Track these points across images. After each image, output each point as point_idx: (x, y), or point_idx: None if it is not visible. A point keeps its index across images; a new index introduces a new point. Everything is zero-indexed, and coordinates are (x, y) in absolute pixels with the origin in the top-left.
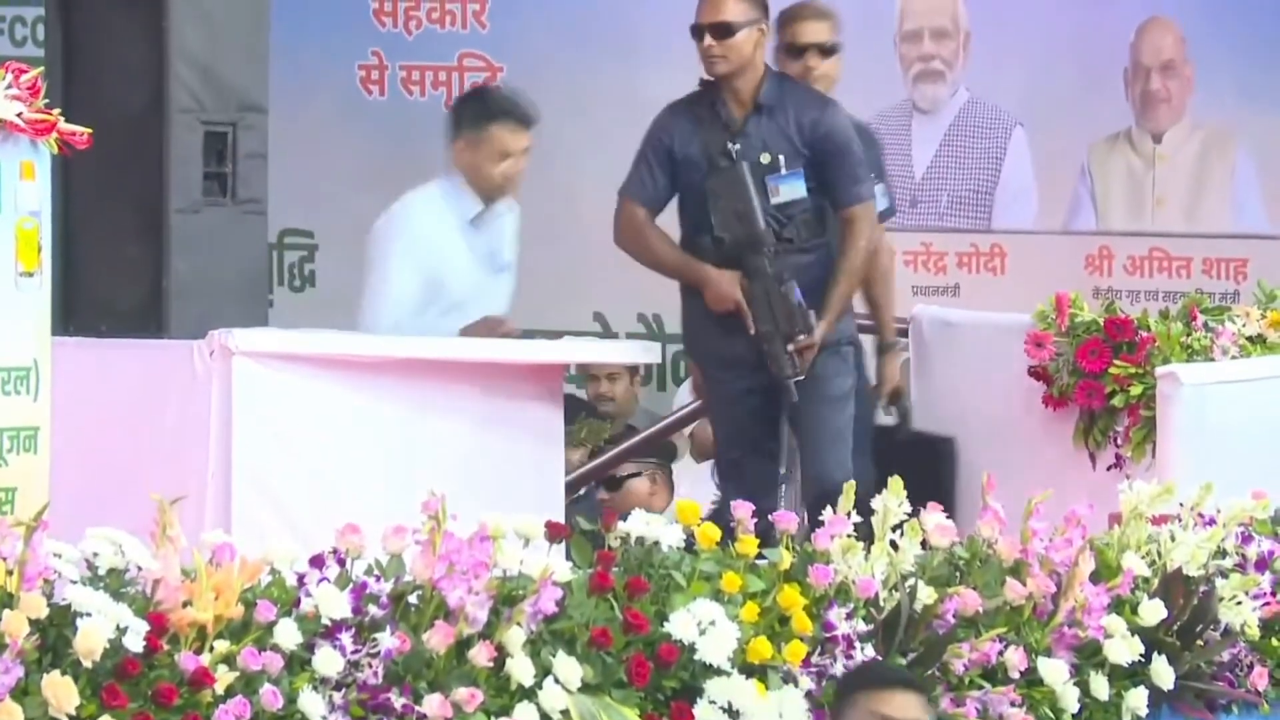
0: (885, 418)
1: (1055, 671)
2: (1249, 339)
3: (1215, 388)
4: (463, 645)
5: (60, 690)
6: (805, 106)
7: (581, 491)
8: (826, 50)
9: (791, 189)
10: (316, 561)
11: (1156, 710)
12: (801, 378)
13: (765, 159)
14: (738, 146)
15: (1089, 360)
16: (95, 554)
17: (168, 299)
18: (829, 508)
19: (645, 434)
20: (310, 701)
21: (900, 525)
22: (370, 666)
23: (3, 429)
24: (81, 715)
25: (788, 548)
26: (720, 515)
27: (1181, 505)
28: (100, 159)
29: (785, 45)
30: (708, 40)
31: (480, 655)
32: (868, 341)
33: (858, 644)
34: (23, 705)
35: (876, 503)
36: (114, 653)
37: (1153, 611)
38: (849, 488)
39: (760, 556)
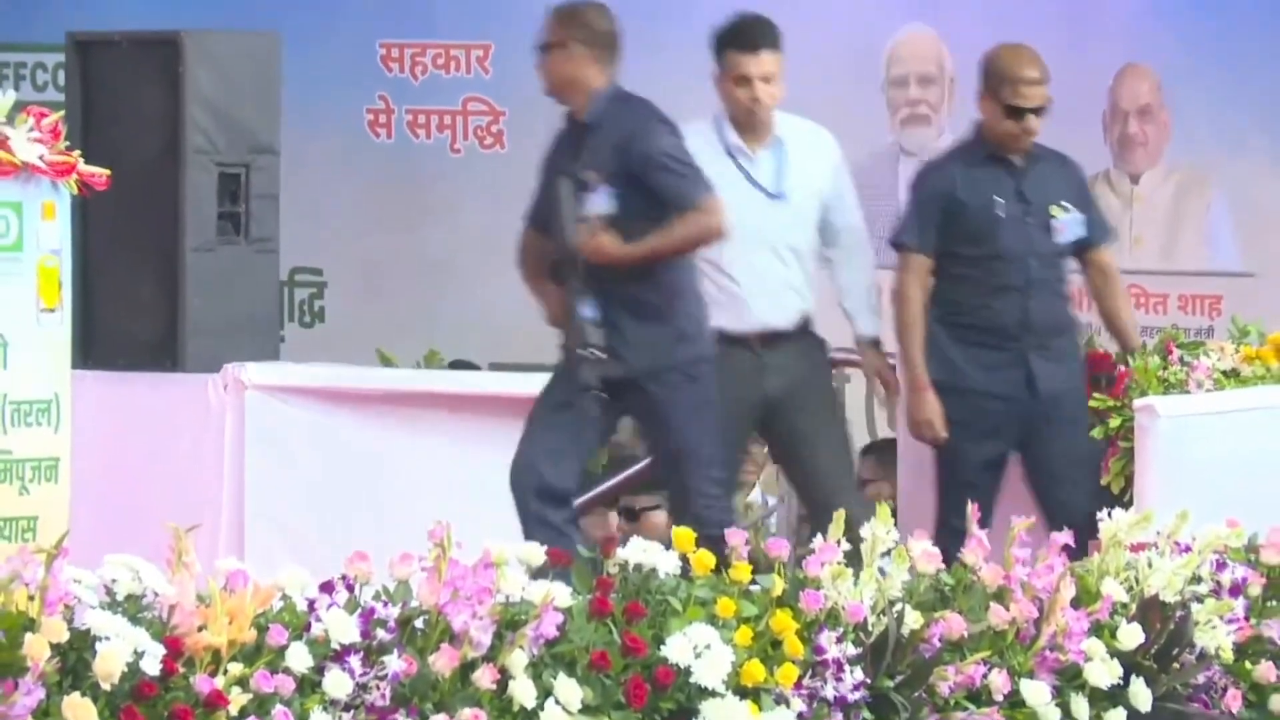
0: None
1: (1037, 693)
2: (1223, 373)
3: (1191, 420)
4: (467, 668)
5: (80, 711)
6: (624, 125)
7: None
8: (1043, 111)
9: (597, 205)
10: (326, 587)
11: None
12: (591, 389)
13: (587, 176)
14: (573, 163)
15: None
16: (114, 580)
17: (183, 334)
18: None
19: (642, 465)
20: None
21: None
22: (378, 688)
23: (25, 459)
24: None
25: (780, 574)
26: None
27: (1158, 533)
28: (118, 200)
29: (1005, 105)
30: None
31: (484, 678)
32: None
33: (847, 667)
34: None
35: (865, 531)
36: (132, 675)
37: (1131, 636)
38: (838, 517)
39: (753, 582)
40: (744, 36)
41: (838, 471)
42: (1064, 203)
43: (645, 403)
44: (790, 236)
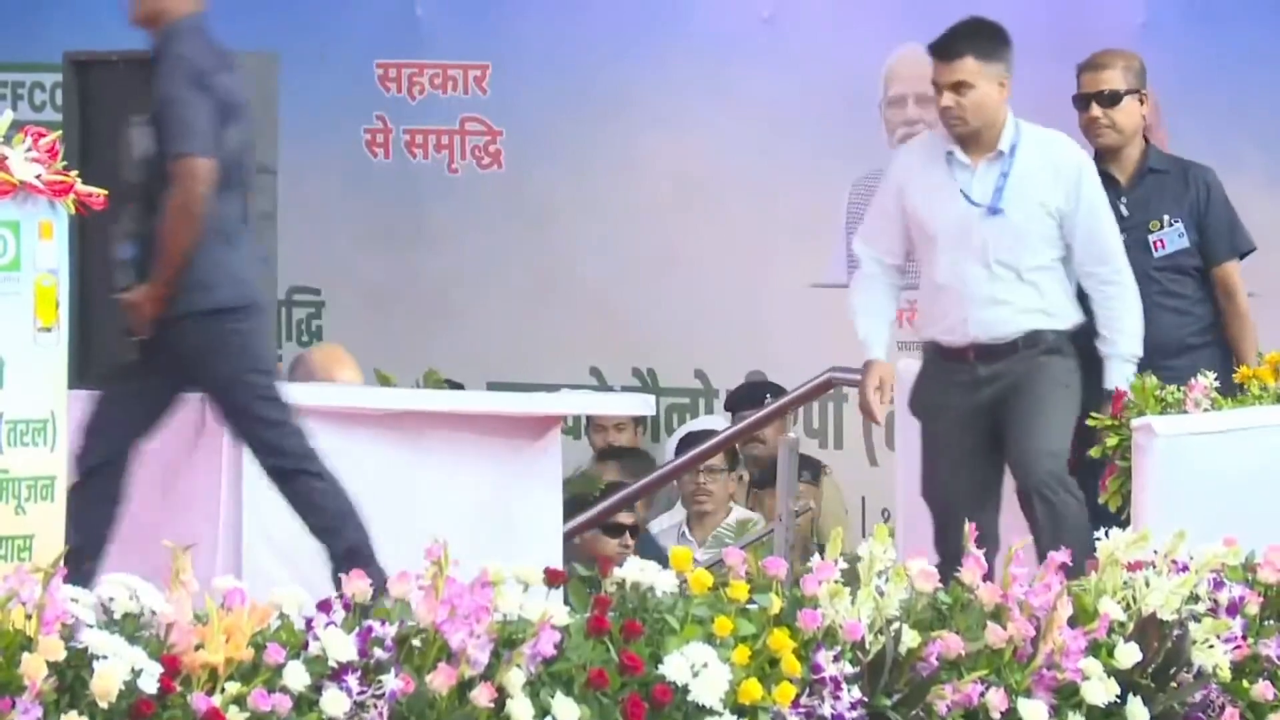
0: None
1: (1035, 712)
2: (1220, 392)
3: (1188, 439)
4: (465, 686)
5: None
6: (160, 59)
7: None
8: (1107, 99)
9: (139, 143)
10: (324, 606)
11: None
12: (132, 338)
13: (142, 114)
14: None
15: None
16: (111, 599)
17: None
18: None
19: (640, 484)
20: None
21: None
22: (376, 707)
23: (21, 478)
24: None
25: (777, 593)
26: None
27: (1156, 552)
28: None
29: (1074, 97)
30: None
31: (481, 696)
32: None
33: (844, 685)
34: None
35: (863, 549)
36: (129, 694)
37: (1128, 654)
38: (836, 535)
39: (751, 601)
40: (939, 42)
41: (1032, 437)
42: (1168, 216)
43: (167, 350)
44: (1006, 252)
